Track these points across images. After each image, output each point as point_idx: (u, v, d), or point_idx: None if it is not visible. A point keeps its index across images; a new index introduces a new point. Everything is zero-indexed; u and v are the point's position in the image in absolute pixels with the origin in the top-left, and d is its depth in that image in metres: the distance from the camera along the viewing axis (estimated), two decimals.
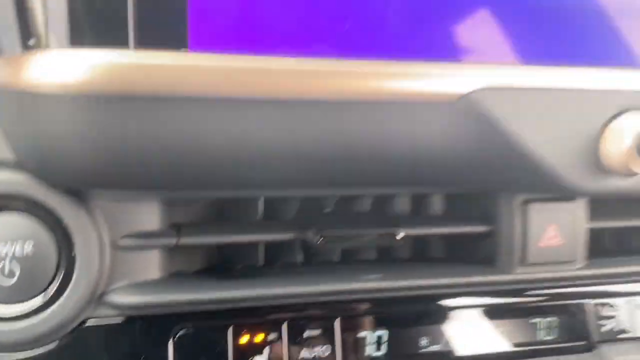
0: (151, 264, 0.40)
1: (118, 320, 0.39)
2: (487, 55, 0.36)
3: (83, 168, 0.33)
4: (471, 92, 0.34)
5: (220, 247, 0.46)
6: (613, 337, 0.48)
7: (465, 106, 0.34)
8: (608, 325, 0.49)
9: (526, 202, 0.44)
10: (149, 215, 0.40)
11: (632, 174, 0.37)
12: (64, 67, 0.30)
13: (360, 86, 0.33)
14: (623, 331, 0.49)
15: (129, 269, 0.39)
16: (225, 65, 0.31)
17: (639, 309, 0.50)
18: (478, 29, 0.36)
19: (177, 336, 0.40)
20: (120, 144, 0.32)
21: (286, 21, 0.32)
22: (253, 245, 0.45)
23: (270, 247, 0.46)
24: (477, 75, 0.35)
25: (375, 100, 0.33)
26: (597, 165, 0.38)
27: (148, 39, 0.31)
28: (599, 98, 0.37)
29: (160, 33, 0.31)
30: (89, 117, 0.31)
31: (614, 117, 0.37)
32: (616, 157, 0.37)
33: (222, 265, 0.46)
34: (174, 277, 0.42)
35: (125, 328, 0.39)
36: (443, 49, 0.35)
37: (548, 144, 0.37)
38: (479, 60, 0.36)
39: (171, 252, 0.42)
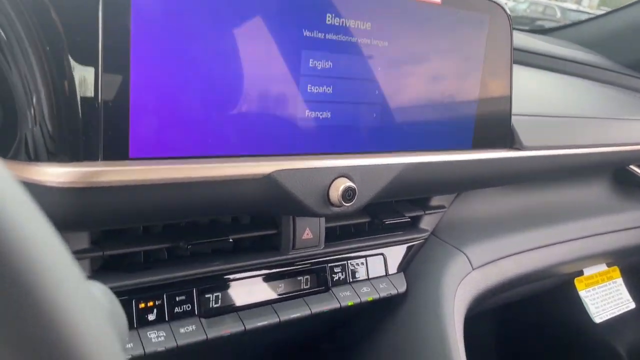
0: (84, 268, 0.68)
1: None
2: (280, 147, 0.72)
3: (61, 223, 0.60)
4: (271, 172, 0.70)
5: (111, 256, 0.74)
6: (339, 283, 0.92)
7: (267, 180, 0.70)
8: (336, 277, 0.91)
9: (294, 216, 0.83)
10: (82, 240, 0.67)
11: (342, 206, 0.78)
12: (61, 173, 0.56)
13: (221, 172, 0.66)
14: (345, 280, 0.93)
15: None
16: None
17: (350, 267, 0.94)
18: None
19: None
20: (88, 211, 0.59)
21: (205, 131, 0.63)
22: (136, 254, 0.74)
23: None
24: (273, 163, 0.71)
25: (220, 179, 0.67)
26: (327, 201, 0.78)
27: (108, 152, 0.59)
28: (329, 170, 0.77)
29: (110, 148, 0.59)
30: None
31: (334, 179, 0.77)
32: (335, 198, 0.77)
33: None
34: (95, 275, 0.69)
35: None
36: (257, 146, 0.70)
37: (304, 193, 0.75)
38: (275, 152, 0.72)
39: (92, 261, 0.69)
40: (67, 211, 0.57)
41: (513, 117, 1.02)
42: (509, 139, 1.00)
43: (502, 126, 0.99)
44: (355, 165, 0.79)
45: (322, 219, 0.86)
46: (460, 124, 0.93)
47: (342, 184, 0.77)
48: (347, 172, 0.78)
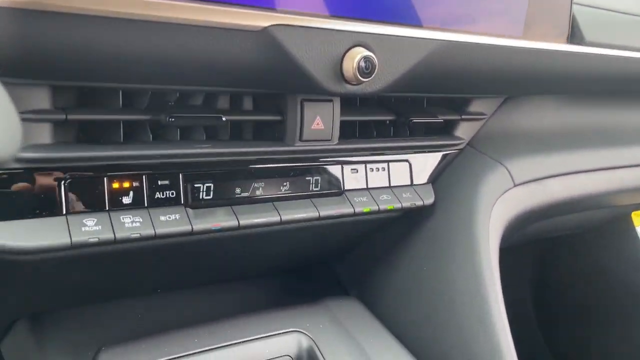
0: (45, 133, 0.57)
1: (21, 171, 0.56)
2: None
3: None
4: (269, 26, 0.57)
5: (86, 129, 0.63)
6: (353, 188, 0.79)
7: (264, 36, 0.57)
8: (351, 180, 0.79)
9: (303, 101, 0.70)
10: (41, 98, 0.56)
11: (358, 82, 0.64)
12: None
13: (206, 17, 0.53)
14: (361, 185, 0.80)
15: (29, 135, 0.55)
16: None
17: (369, 171, 0.81)
18: None
19: (66, 182, 0.58)
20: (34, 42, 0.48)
21: None
22: (115, 126, 0.63)
23: (127, 130, 0.64)
24: (272, 15, 0.57)
25: (204, 25, 0.54)
26: (340, 75, 0.64)
27: None
28: (343, 35, 0.63)
29: None
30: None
31: (350, 48, 0.63)
32: (349, 70, 0.63)
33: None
34: (61, 143, 0.59)
35: (29, 176, 0.56)
36: None
37: (311, 59, 0.62)
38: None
39: (56, 126, 0.58)
40: (6, 41, 0.46)
41: (574, 7, 0.84)
42: (567, 31, 0.83)
43: (561, 14, 0.82)
44: (376, 32, 0.64)
45: (336, 107, 0.72)
46: (510, 4, 0.77)
47: (358, 53, 0.63)
48: (365, 41, 0.64)
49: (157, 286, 0.82)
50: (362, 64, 0.63)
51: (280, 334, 0.76)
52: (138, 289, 0.81)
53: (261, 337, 0.75)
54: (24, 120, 0.54)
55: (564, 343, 1.45)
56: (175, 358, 0.67)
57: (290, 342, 0.76)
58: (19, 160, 0.55)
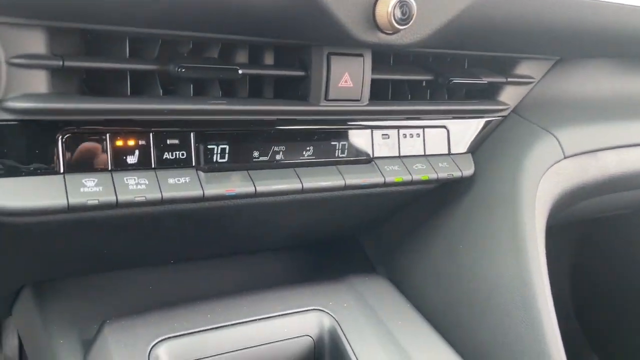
0: (40, 82, 0.51)
1: (16, 122, 0.50)
2: None
3: None
4: None
5: (90, 81, 0.56)
6: (383, 155, 0.71)
7: None
8: (382, 146, 0.71)
9: (329, 54, 0.62)
10: (36, 42, 0.49)
11: (394, 30, 0.56)
12: None
13: None
14: (393, 152, 0.72)
15: (22, 84, 0.49)
16: None
17: (402, 137, 0.73)
18: None
19: (64, 137, 0.52)
20: None
21: None
22: (122, 77, 0.57)
23: (135, 81, 0.58)
24: None
25: None
26: (373, 24, 0.56)
27: None
28: None
29: None
30: None
31: None
32: (383, 15, 0.55)
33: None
34: (59, 94, 0.53)
35: (22, 129, 0.50)
36: None
37: (343, 7, 0.54)
38: None
39: (54, 75, 0.52)
40: None
41: None
42: None
43: None
44: None
45: (367, 63, 0.64)
46: None
47: None
48: None
49: (166, 257, 0.77)
50: (398, 9, 0.55)
51: (300, 312, 0.70)
52: (146, 259, 0.76)
53: (279, 315, 0.69)
54: (12, 65, 0.48)
55: (603, 335, 1.36)
56: (183, 334, 0.62)
57: (311, 321, 0.70)
58: (9, 110, 0.49)
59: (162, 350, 0.60)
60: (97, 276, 0.72)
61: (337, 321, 0.70)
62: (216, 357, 0.62)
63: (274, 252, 0.87)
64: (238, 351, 0.64)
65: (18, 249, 0.61)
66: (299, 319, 0.70)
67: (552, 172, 0.77)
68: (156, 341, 0.60)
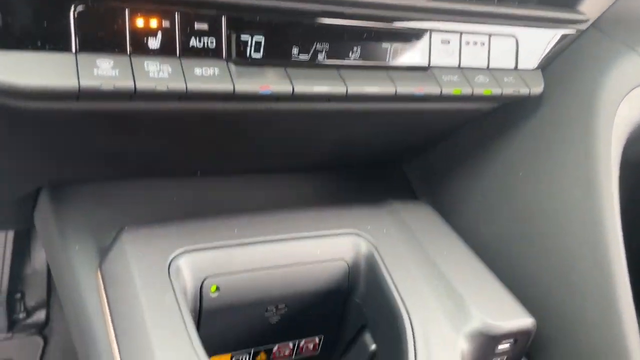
0: None
1: None
2: None
3: None
4: None
5: None
6: (440, 64, 0.62)
7: None
8: (441, 52, 0.62)
9: None
10: None
11: None
12: None
13: None
14: (453, 61, 0.63)
15: None
16: None
17: (465, 45, 0.63)
18: None
19: (77, 9, 0.45)
20: None
21: None
22: None
23: None
24: None
25: None
26: None
27: None
28: None
29: None
30: None
31: None
32: None
33: None
34: None
35: None
36: None
37: None
38: None
39: None
40: None
41: None
42: None
43: None
44: None
45: None
46: None
47: None
48: None
49: (190, 168, 0.70)
50: None
51: (336, 234, 0.64)
52: (167, 169, 0.69)
53: (312, 237, 0.63)
54: None
55: None
56: (207, 248, 0.56)
57: (346, 244, 0.64)
58: None
59: (184, 263, 0.55)
60: (117, 183, 0.67)
61: (375, 247, 0.63)
62: (241, 274, 0.57)
63: (309, 173, 0.80)
64: (265, 270, 0.59)
65: (29, 143, 0.56)
66: (334, 241, 0.63)
67: (633, 95, 0.67)
68: (177, 252, 0.55)
